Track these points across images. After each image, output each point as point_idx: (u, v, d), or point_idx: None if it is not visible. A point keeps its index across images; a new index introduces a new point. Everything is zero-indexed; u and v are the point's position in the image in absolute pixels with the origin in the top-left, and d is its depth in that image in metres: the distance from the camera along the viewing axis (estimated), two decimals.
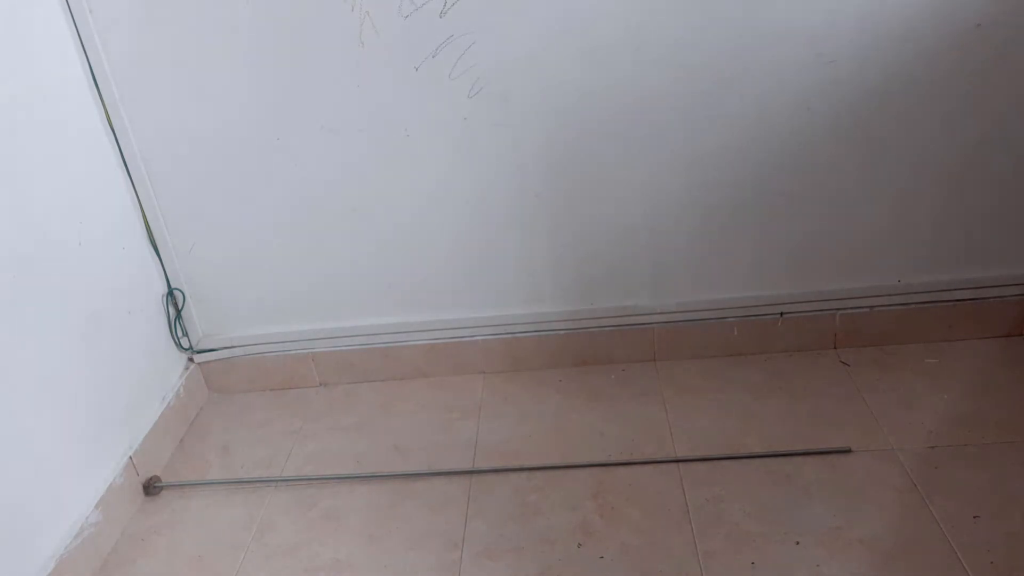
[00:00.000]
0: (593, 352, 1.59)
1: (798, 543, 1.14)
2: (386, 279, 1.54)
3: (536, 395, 1.54)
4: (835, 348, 1.56)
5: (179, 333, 1.58)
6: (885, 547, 1.11)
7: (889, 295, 1.50)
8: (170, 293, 1.55)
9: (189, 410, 1.59)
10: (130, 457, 1.37)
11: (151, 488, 1.39)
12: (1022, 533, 1.11)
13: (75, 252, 1.28)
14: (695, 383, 1.51)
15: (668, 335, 1.57)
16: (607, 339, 1.58)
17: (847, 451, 1.29)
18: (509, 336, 1.59)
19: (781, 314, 1.54)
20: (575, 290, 1.54)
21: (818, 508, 1.19)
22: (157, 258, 1.52)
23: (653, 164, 1.41)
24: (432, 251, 1.51)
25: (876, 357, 1.51)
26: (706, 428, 1.39)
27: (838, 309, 1.53)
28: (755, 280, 1.52)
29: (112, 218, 1.39)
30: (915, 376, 1.45)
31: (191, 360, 1.62)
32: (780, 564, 1.11)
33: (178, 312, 1.57)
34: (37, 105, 1.21)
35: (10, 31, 1.16)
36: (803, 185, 1.42)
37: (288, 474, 1.41)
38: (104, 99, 1.36)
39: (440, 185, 1.44)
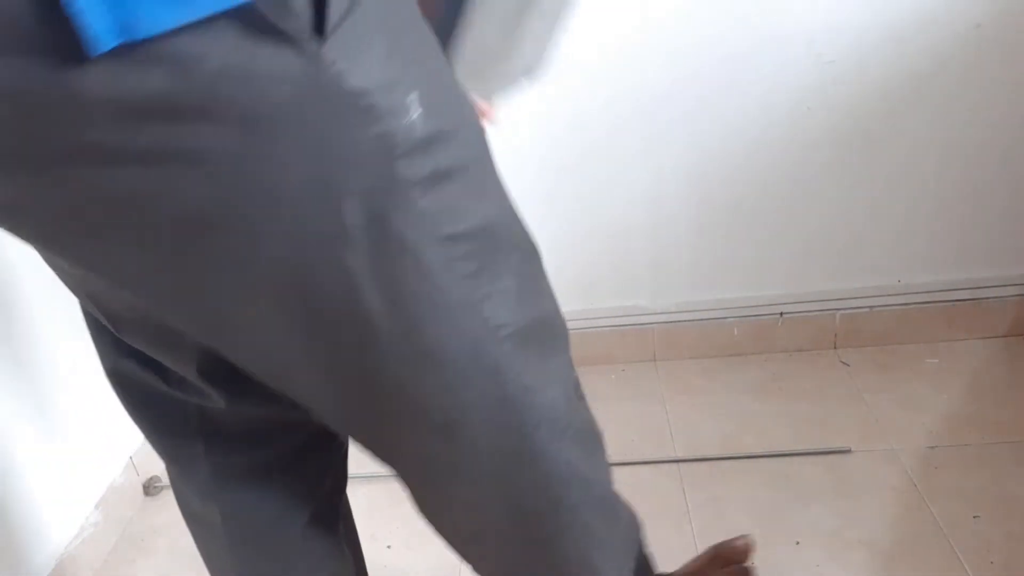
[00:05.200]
0: (593, 352, 1.59)
1: (798, 543, 1.14)
2: None
3: None
4: (835, 348, 1.56)
5: None
6: (885, 547, 1.11)
7: (889, 295, 1.50)
8: None
9: None
10: (130, 457, 1.37)
11: (151, 488, 1.39)
12: (1022, 533, 1.11)
13: None
14: (695, 383, 1.51)
15: (668, 335, 1.57)
16: (607, 339, 1.58)
17: (847, 451, 1.29)
18: None
19: (781, 314, 1.54)
20: (575, 290, 1.54)
21: (818, 508, 1.19)
22: None
23: (654, 165, 1.41)
24: None
25: (876, 357, 1.51)
26: (706, 428, 1.39)
27: (838, 309, 1.53)
28: (755, 280, 1.52)
29: None
30: (915, 376, 1.45)
31: None
32: (780, 564, 1.11)
33: None
34: None
35: None
36: (803, 185, 1.42)
37: None
38: None
39: None
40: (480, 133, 0.52)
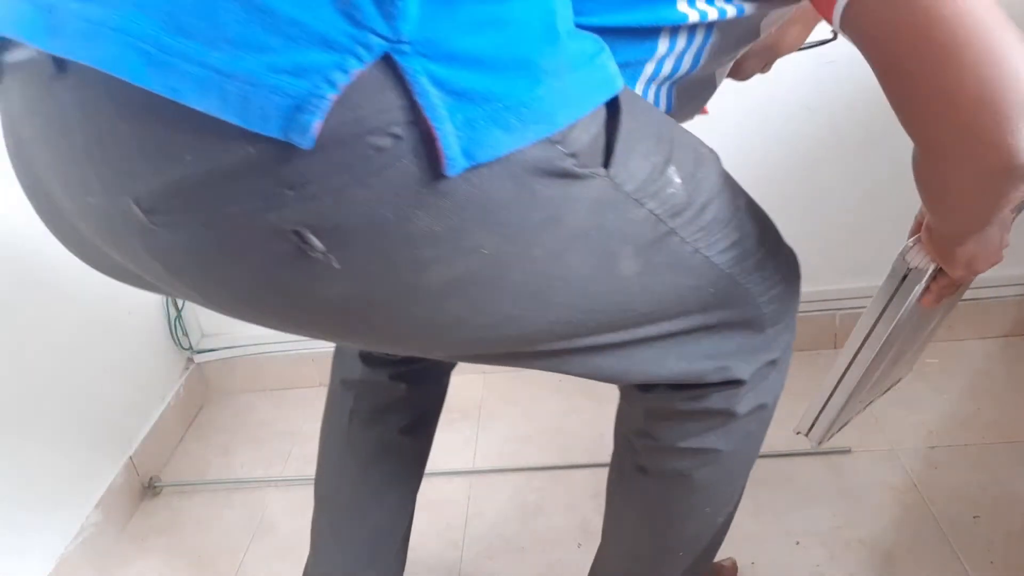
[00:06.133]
0: None
1: (798, 543, 1.14)
2: None
3: (536, 395, 1.54)
4: (835, 348, 1.56)
5: (179, 333, 1.58)
6: (885, 547, 1.11)
7: None
8: None
9: (189, 410, 1.59)
10: (130, 457, 1.37)
11: (151, 488, 1.39)
12: (1022, 533, 1.11)
13: None
14: None
15: None
16: None
17: (847, 451, 1.29)
18: None
19: None
20: None
21: (818, 508, 1.19)
22: None
23: None
24: None
25: None
26: None
27: (838, 309, 1.53)
28: None
29: None
30: (915, 376, 1.45)
31: (191, 360, 1.62)
32: (780, 564, 1.11)
33: (178, 312, 1.57)
34: None
35: None
36: (803, 185, 1.42)
37: (288, 474, 1.41)
38: None
39: None
40: (718, 163, 0.64)
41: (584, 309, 0.55)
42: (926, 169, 0.58)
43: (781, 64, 1.33)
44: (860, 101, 1.33)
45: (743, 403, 0.70)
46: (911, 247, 0.74)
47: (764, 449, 1.32)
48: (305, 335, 0.56)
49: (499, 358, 0.61)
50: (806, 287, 1.53)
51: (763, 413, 0.74)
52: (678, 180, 0.56)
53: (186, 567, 1.24)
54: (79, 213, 0.50)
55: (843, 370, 0.85)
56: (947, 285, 0.71)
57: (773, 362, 0.70)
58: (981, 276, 1.58)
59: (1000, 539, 1.10)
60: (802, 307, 1.52)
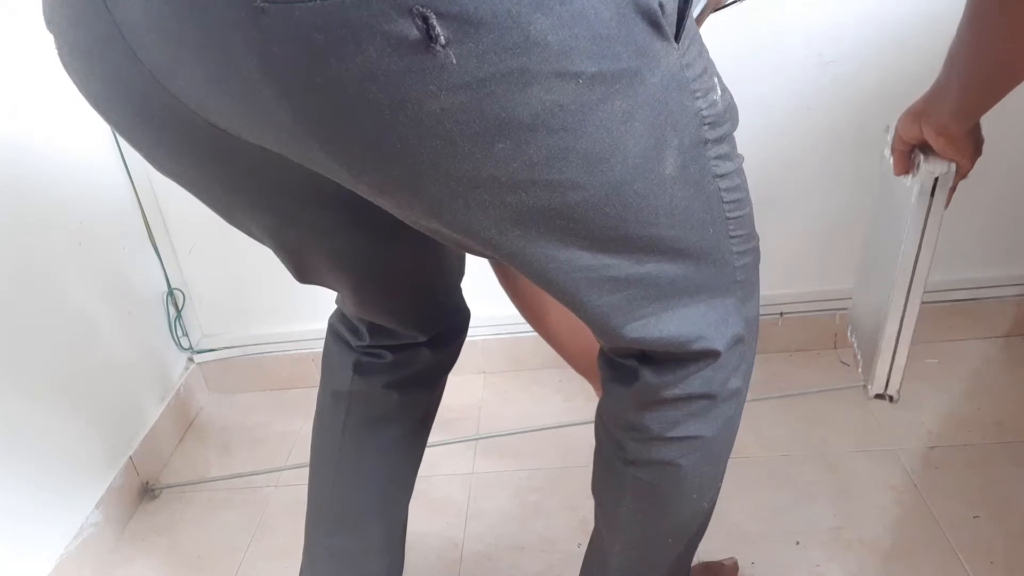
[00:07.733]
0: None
1: (798, 543, 1.14)
2: None
3: (536, 395, 1.54)
4: (835, 348, 1.56)
5: (179, 333, 1.58)
6: (885, 547, 1.11)
7: None
8: (170, 293, 1.55)
9: (189, 410, 1.59)
10: (130, 457, 1.37)
11: (151, 488, 1.39)
12: (1022, 533, 1.11)
13: (75, 252, 1.28)
14: None
15: None
16: None
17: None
18: (509, 336, 1.59)
19: (781, 314, 1.54)
20: None
21: (818, 508, 1.19)
22: (157, 258, 1.52)
23: None
24: None
25: None
26: None
27: (838, 309, 1.53)
28: None
29: (112, 218, 1.39)
30: (915, 376, 1.45)
31: (191, 360, 1.62)
32: (780, 564, 1.11)
33: (178, 312, 1.57)
34: (38, 104, 1.21)
35: (10, 27, 1.16)
36: (802, 185, 1.42)
37: (288, 475, 1.41)
38: None
39: None
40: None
41: (620, 202, 0.57)
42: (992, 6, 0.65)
43: (782, 63, 1.33)
44: (860, 101, 1.33)
45: (722, 386, 0.72)
46: (923, 161, 0.82)
47: (763, 449, 1.33)
48: (369, 180, 0.53)
49: (528, 243, 0.58)
50: (806, 287, 1.54)
51: (740, 397, 0.76)
52: (719, 90, 0.61)
53: (186, 567, 1.24)
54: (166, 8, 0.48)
55: (903, 307, 0.88)
56: (958, 183, 0.84)
57: (741, 339, 0.71)
58: (981, 276, 1.59)
59: (1000, 539, 1.10)
60: (802, 307, 1.53)
